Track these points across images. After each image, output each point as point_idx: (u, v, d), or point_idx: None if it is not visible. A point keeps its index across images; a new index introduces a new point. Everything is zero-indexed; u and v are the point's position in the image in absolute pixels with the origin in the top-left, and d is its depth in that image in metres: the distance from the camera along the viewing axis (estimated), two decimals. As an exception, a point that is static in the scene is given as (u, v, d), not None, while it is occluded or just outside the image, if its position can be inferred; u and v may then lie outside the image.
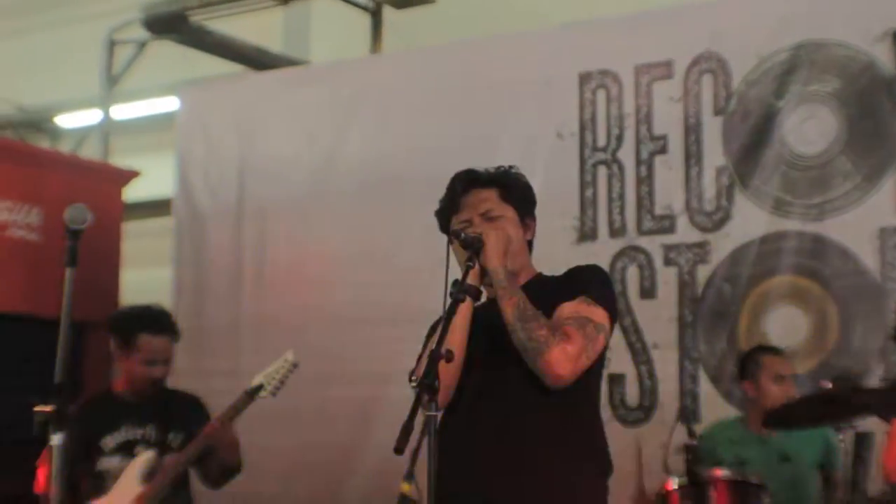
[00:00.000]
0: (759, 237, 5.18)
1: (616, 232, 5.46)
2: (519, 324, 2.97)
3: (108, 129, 7.49)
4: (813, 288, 5.08)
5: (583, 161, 5.58)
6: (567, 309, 3.05)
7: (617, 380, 5.32)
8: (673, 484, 4.10)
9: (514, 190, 3.24)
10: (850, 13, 5.13)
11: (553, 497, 3.02)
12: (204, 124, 6.67)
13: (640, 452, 4.70)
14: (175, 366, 4.69)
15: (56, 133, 9.06)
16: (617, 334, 5.24)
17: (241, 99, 6.64)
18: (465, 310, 2.96)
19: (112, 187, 6.69)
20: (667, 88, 5.41)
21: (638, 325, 5.33)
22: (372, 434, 5.67)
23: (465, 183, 3.24)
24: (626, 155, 5.48)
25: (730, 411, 5.03)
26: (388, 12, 7.47)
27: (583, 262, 3.29)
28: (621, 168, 5.49)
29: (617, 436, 4.90)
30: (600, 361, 3.17)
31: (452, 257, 3.10)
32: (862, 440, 4.28)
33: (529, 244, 3.29)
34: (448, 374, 2.88)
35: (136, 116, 8.18)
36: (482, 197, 3.21)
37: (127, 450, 4.51)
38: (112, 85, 7.47)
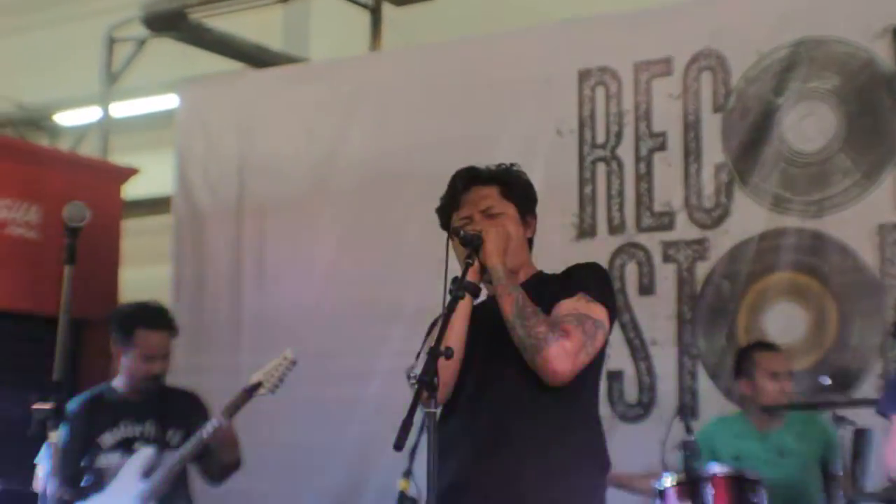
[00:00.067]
0: (758, 234, 5.18)
1: (615, 229, 5.46)
2: (518, 321, 2.97)
3: (107, 127, 7.48)
4: (812, 285, 5.08)
5: (582, 158, 5.58)
6: (566, 306, 3.06)
7: (616, 376, 5.33)
8: (671, 480, 4.10)
9: (515, 187, 3.24)
10: (849, 10, 5.13)
11: (552, 494, 3.01)
12: (203, 122, 6.67)
13: (639, 449, 4.70)
14: (174, 363, 4.70)
15: (55, 131, 9.05)
16: (616, 331, 5.21)
17: (240, 96, 6.64)
18: (464, 307, 2.97)
19: (111, 185, 6.70)
20: (666, 85, 5.41)
21: (637, 321, 5.33)
22: (371, 431, 5.66)
23: (466, 180, 3.24)
24: (626, 152, 5.49)
25: (729, 408, 5.04)
26: (388, 10, 7.46)
27: (582, 259, 3.28)
28: (620, 165, 5.49)
29: (615, 432, 4.94)
30: (600, 358, 3.17)
31: (452, 255, 3.11)
32: (861, 436, 4.28)
33: (530, 242, 3.28)
34: (447, 371, 2.88)
35: (136, 114, 8.17)
36: (483, 194, 3.20)
37: (126, 446, 4.52)
38: (111, 82, 7.45)
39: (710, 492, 4.06)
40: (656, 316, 5.32)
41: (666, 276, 5.33)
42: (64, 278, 3.23)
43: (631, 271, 5.39)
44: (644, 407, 5.31)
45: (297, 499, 5.90)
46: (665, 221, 5.37)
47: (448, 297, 2.88)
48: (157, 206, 7.51)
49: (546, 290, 3.11)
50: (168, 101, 7.33)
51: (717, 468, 4.16)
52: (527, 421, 3.05)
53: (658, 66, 5.44)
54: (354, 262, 6.03)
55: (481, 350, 3.09)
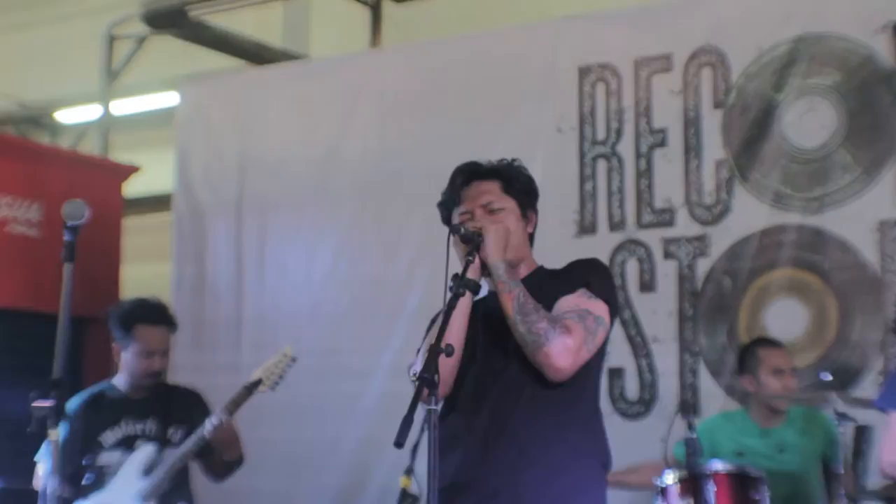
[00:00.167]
0: (758, 230, 5.18)
1: (616, 225, 5.46)
2: (519, 317, 2.98)
3: (107, 125, 7.48)
4: (813, 281, 5.08)
5: (582, 155, 5.58)
6: (567, 302, 3.06)
7: (617, 373, 5.33)
8: (672, 477, 4.10)
9: (515, 182, 3.24)
10: (849, 6, 5.13)
11: (553, 491, 3.02)
12: (204, 119, 6.66)
13: (640, 446, 4.70)
14: (175, 361, 4.70)
15: (56, 128, 9.05)
16: (617, 328, 5.21)
17: (241, 94, 6.64)
18: (464, 304, 2.97)
19: (112, 182, 6.70)
20: (666, 82, 5.41)
21: (637, 318, 5.33)
22: (372, 428, 5.66)
23: (467, 175, 3.24)
24: (626, 148, 5.48)
25: (730, 405, 5.04)
26: (388, 7, 7.46)
27: (582, 256, 3.29)
28: (621, 161, 5.49)
29: (617, 429, 4.90)
30: (600, 355, 3.17)
31: (452, 251, 3.10)
32: (862, 433, 4.28)
33: (531, 237, 3.29)
34: (446, 367, 2.88)
35: (136, 112, 8.17)
36: (483, 189, 3.21)
37: (127, 444, 4.52)
38: (112, 80, 7.46)
39: (711, 489, 4.06)
40: (657, 313, 5.32)
41: (667, 272, 5.33)
42: (63, 276, 3.23)
43: (632, 268, 5.39)
44: (645, 404, 5.31)
45: (298, 496, 5.90)
46: (666, 218, 5.37)
47: (448, 294, 2.88)
48: (157, 203, 7.51)
49: (547, 286, 3.11)
50: (168, 99, 7.33)
51: (718, 465, 4.15)
52: (528, 419, 3.05)
53: (658, 63, 5.44)
54: (355, 259, 6.03)
55: (482, 346, 3.09)
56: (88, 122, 8.12)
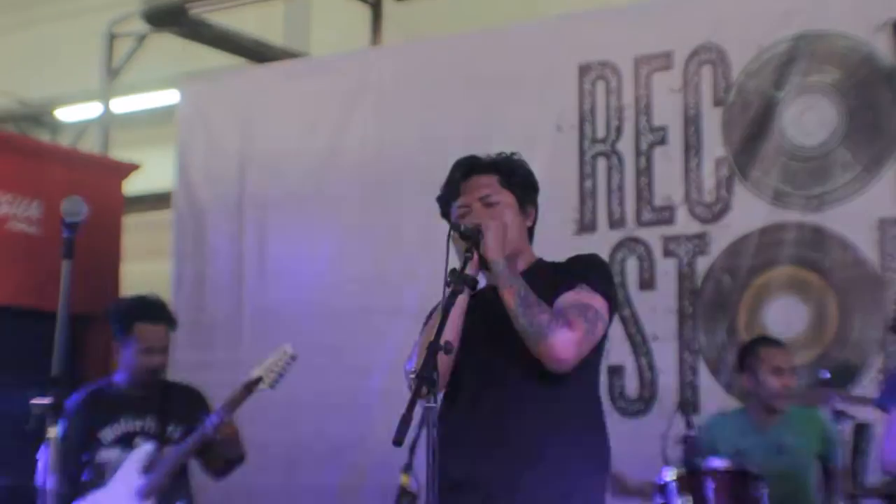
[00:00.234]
0: (758, 228, 5.17)
1: (615, 223, 5.46)
2: (521, 310, 2.98)
3: (108, 123, 7.49)
4: (812, 279, 5.08)
5: (582, 153, 5.57)
6: (567, 298, 3.06)
7: (616, 371, 5.32)
8: (671, 474, 4.10)
9: (514, 176, 3.24)
10: (849, 3, 5.13)
11: (552, 488, 3.02)
12: (204, 117, 6.66)
13: (639, 444, 4.70)
14: (175, 358, 4.71)
15: (56, 126, 9.06)
16: (616, 326, 5.24)
17: (241, 92, 6.64)
18: (461, 300, 2.97)
19: (112, 180, 6.70)
20: (666, 79, 5.40)
21: (637, 316, 5.33)
22: (371, 426, 5.66)
23: (466, 168, 3.25)
24: (626, 146, 5.48)
25: (729, 403, 5.03)
26: (388, 5, 7.47)
27: (582, 253, 3.29)
28: (621, 159, 5.49)
29: (616, 427, 4.89)
30: (599, 353, 3.17)
31: (452, 248, 3.10)
32: (861, 431, 4.28)
33: (530, 231, 3.29)
34: (443, 363, 2.88)
35: (137, 110, 8.18)
36: (482, 182, 3.21)
37: (126, 442, 4.52)
38: (112, 78, 7.47)
39: (710, 486, 4.06)
40: (657, 310, 5.32)
41: (666, 270, 5.33)
42: (62, 273, 3.23)
43: (631, 266, 5.39)
44: (645, 402, 5.31)
45: (297, 493, 5.90)
46: (665, 216, 5.36)
47: (447, 290, 2.88)
48: (158, 201, 7.51)
49: (547, 279, 3.11)
50: (169, 97, 7.33)
51: (717, 463, 4.16)
52: (527, 418, 3.05)
53: (658, 61, 5.43)
54: (355, 257, 6.03)
55: (480, 343, 3.09)
56: (89, 120, 8.13)
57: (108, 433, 4.53)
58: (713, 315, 5.24)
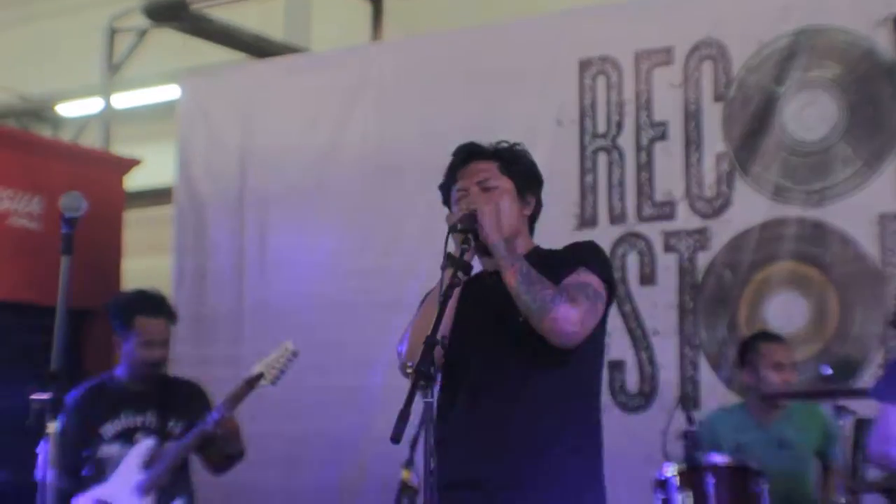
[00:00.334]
0: (759, 223, 5.17)
1: (616, 218, 5.46)
2: (524, 287, 2.98)
3: (109, 118, 7.49)
4: (813, 274, 5.08)
5: (583, 148, 5.57)
6: (566, 280, 3.06)
7: (617, 366, 5.32)
8: (672, 470, 4.11)
9: (513, 164, 3.25)
10: (850, -1, 5.13)
11: (553, 487, 3.02)
12: (205, 112, 6.66)
13: (640, 439, 4.71)
14: (176, 354, 4.71)
15: (57, 122, 9.05)
16: (617, 321, 5.25)
17: (242, 87, 6.63)
18: (455, 291, 2.97)
19: (113, 176, 6.70)
20: (667, 75, 5.40)
21: (638, 311, 5.33)
22: (373, 420, 5.66)
23: (466, 154, 3.27)
24: (627, 141, 5.48)
25: (730, 398, 5.03)
26: (389, 0, 7.46)
27: (580, 246, 3.30)
28: (621, 154, 5.49)
29: (617, 422, 4.94)
30: (600, 352, 3.19)
31: (451, 244, 3.10)
32: (862, 426, 4.28)
33: (531, 222, 3.29)
34: (436, 353, 2.87)
35: (137, 105, 8.18)
36: (481, 168, 3.23)
37: (127, 437, 4.52)
38: (113, 73, 7.46)
39: (711, 482, 4.06)
40: (657, 306, 5.32)
41: (667, 265, 5.33)
42: (61, 268, 3.24)
43: (632, 261, 5.39)
44: (645, 397, 5.31)
45: (298, 489, 5.91)
46: (666, 211, 5.36)
47: (444, 282, 2.89)
48: (158, 196, 7.51)
49: (545, 265, 3.10)
50: (169, 92, 7.32)
51: (718, 458, 4.16)
52: (528, 416, 3.06)
53: (659, 56, 5.43)
54: (356, 252, 6.03)
55: (479, 331, 3.09)
56: (89, 116, 8.12)
57: (108, 429, 4.53)
58: (714, 310, 5.24)
